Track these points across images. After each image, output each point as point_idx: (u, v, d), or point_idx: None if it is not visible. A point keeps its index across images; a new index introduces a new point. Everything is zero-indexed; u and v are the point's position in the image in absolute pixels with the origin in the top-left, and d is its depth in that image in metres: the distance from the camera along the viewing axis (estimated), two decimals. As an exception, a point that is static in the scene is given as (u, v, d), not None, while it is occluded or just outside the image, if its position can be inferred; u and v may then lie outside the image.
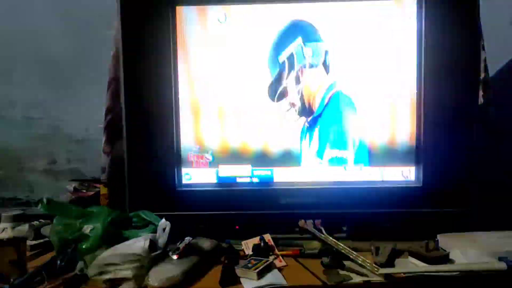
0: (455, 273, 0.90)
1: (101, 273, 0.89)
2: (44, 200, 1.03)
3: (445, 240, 1.03)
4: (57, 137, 1.69)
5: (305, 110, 1.16)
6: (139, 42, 1.12)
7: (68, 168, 1.71)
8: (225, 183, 1.18)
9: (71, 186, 1.49)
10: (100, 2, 1.56)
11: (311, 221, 1.14)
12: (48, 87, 1.66)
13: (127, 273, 0.88)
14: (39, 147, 1.69)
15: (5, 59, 1.64)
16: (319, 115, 1.15)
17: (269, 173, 1.18)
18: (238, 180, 1.18)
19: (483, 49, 1.11)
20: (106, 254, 0.92)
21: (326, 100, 1.15)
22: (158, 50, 1.12)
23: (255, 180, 1.18)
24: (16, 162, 1.70)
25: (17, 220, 0.96)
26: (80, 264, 0.93)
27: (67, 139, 1.69)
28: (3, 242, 0.94)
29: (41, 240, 1.14)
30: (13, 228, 0.93)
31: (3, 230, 0.92)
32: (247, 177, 1.18)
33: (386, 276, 0.90)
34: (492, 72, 1.28)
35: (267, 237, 1.11)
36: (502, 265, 0.87)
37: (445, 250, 0.99)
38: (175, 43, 1.12)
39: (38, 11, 1.63)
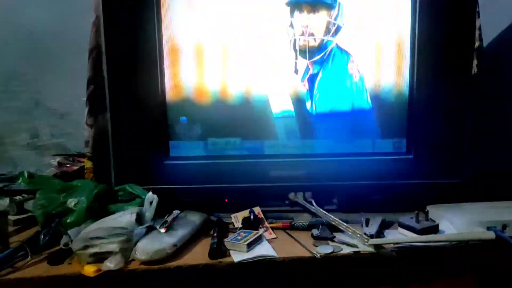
0: (444, 243, 0.90)
1: (86, 247, 0.87)
2: (25, 174, 0.99)
3: (435, 211, 1.03)
4: (39, 111, 1.63)
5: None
6: (120, 6, 1.05)
7: (52, 143, 1.66)
8: (214, 156, 1.15)
9: (55, 161, 1.46)
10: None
11: (301, 193, 1.13)
12: (27, 59, 1.59)
13: (113, 247, 0.86)
14: (21, 121, 1.64)
15: (-19, 29, 1.56)
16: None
17: (259, 145, 1.15)
18: (228, 152, 1.15)
19: (478, 16, 1.08)
20: (91, 228, 0.90)
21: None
22: (141, 14, 1.05)
23: (245, 152, 1.15)
24: (-3, 136, 1.65)
25: (-3, 194, 0.93)
26: (64, 239, 0.90)
27: (50, 113, 1.63)
28: (-18, 217, 0.90)
29: (25, 215, 1.11)
30: (-8, 202, 0.90)
31: (-18, 204, 0.89)
32: (237, 149, 1.15)
33: (376, 247, 0.90)
34: (487, 41, 1.26)
35: (257, 210, 1.09)
36: (491, 235, 0.88)
37: (434, 221, 0.99)
38: (159, 5, 1.06)
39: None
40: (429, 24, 1.06)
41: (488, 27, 1.21)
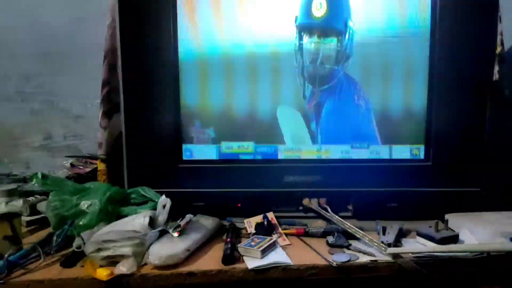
0: (465, 253, 0.88)
1: (99, 250, 0.86)
2: (39, 175, 0.99)
3: (454, 220, 1.00)
4: (52, 112, 1.65)
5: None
6: (137, 9, 1.05)
7: (65, 144, 1.68)
8: (227, 160, 1.13)
9: (67, 162, 1.47)
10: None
11: (316, 199, 1.11)
12: (42, 61, 1.61)
13: (126, 250, 0.85)
14: (34, 123, 1.66)
15: (-2, 31, 1.59)
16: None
17: (273, 150, 1.14)
18: (241, 157, 1.14)
19: (500, 21, 1.05)
20: (104, 231, 0.89)
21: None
22: (157, 18, 1.05)
23: (259, 157, 1.14)
24: (10, 138, 1.66)
25: (11, 195, 0.92)
26: (77, 241, 0.90)
27: (63, 115, 1.65)
28: (-3, 217, 0.90)
29: (38, 216, 1.11)
30: (7, 203, 0.89)
31: (-4, 205, 0.89)
32: (250, 154, 1.14)
33: (394, 256, 0.87)
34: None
35: (271, 215, 1.08)
36: (515, 246, 0.85)
37: (453, 230, 0.96)
38: (175, 9, 1.06)
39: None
40: (448, 28, 1.03)
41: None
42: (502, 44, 1.06)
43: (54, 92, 1.63)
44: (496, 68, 1.05)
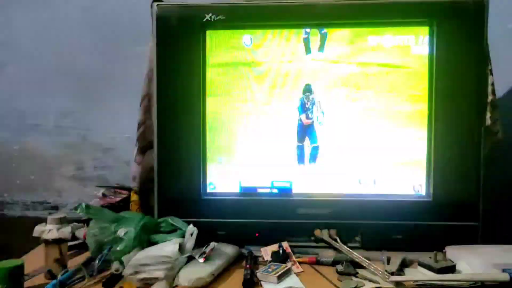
0: (460, 282, 0.97)
1: (136, 273, 0.98)
2: (83, 205, 1.13)
3: (452, 252, 1.10)
4: (85, 145, 1.82)
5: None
6: (171, 63, 1.22)
7: (94, 175, 1.82)
8: (247, 193, 1.27)
9: (99, 192, 1.59)
10: (128, 20, 1.69)
11: (327, 230, 1.22)
12: (78, 98, 1.79)
13: (159, 273, 0.97)
14: (68, 154, 1.82)
15: (40, 71, 1.78)
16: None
17: (288, 184, 1.26)
18: (259, 190, 1.27)
19: (491, 73, 1.19)
20: (141, 256, 1.01)
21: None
22: (189, 70, 1.22)
23: (275, 191, 1.27)
24: (46, 168, 1.82)
25: (61, 222, 1.05)
26: (115, 264, 1.02)
27: (94, 148, 1.81)
28: (49, 242, 1.04)
29: (76, 242, 1.24)
30: (57, 229, 1.03)
31: (49, 231, 1.02)
32: (268, 187, 1.26)
33: (396, 283, 0.97)
34: (501, 94, 1.37)
35: (285, 244, 1.19)
36: (506, 276, 0.94)
37: (452, 261, 1.06)
38: (205, 65, 1.23)
39: (71, 27, 1.76)
40: (446, 83, 1.18)
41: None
42: (493, 93, 1.19)
43: (87, 126, 1.80)
44: (489, 115, 1.17)
